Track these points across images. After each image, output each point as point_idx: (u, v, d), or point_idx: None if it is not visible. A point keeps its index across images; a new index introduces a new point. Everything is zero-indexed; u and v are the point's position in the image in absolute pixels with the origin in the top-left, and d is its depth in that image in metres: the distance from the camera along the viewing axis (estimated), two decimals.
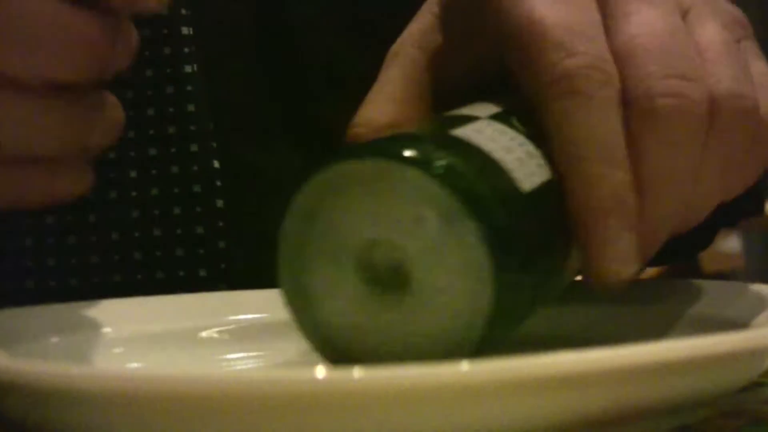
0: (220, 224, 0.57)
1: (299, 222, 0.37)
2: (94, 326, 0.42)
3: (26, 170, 0.38)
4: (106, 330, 0.42)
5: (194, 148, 0.58)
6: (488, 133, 0.37)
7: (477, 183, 0.35)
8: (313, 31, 0.63)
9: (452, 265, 0.35)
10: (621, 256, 0.36)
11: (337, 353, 0.37)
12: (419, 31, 0.44)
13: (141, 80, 0.57)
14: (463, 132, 0.37)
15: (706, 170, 0.38)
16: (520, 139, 0.38)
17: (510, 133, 0.38)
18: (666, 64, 0.37)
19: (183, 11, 0.59)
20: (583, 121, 0.36)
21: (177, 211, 0.57)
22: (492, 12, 0.38)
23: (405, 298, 0.36)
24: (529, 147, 0.38)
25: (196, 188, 0.57)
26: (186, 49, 0.58)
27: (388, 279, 0.36)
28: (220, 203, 0.58)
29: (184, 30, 0.58)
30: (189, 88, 0.58)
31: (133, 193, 0.56)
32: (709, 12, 0.40)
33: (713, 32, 0.39)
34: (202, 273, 0.57)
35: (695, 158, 0.37)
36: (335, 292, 0.37)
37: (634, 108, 0.36)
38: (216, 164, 0.58)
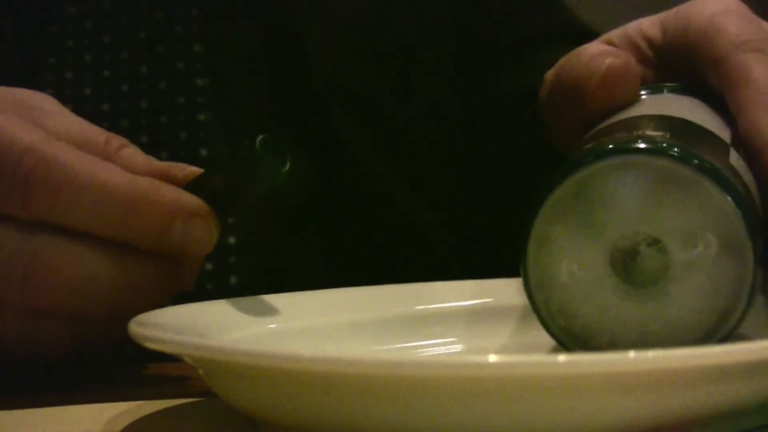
0: (229, 220, 0.58)
1: (571, 190, 0.38)
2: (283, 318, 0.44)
3: None
4: (296, 320, 0.44)
5: (204, 153, 0.60)
6: (743, 168, 0.40)
7: (758, 229, 0.37)
8: (321, 46, 0.66)
9: (712, 289, 0.37)
10: None
11: (577, 341, 0.39)
12: None
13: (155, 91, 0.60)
14: (733, 161, 0.40)
15: None
16: (753, 183, 0.40)
17: (748, 172, 0.40)
18: None
19: (195, 29, 0.61)
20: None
21: None
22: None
23: (656, 297, 0.38)
24: (757, 193, 0.40)
25: None
26: (198, 65, 0.61)
27: (639, 273, 0.38)
28: None
29: (196, 47, 0.61)
30: (200, 99, 0.60)
31: None
32: None
33: None
34: (209, 266, 0.58)
35: None
36: (584, 278, 0.38)
37: None
38: None
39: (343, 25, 0.67)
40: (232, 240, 0.60)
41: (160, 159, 0.46)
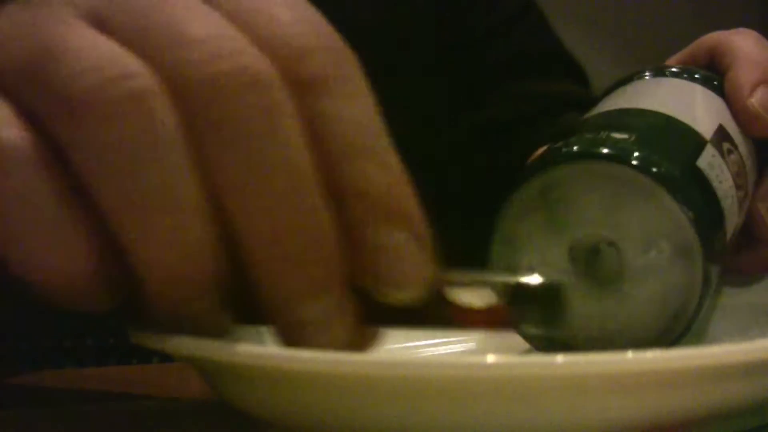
0: None
1: (536, 189, 0.39)
2: None
3: None
4: None
5: None
6: (717, 168, 0.41)
7: (715, 234, 0.39)
8: None
9: (666, 291, 0.38)
10: None
11: (541, 337, 0.40)
12: None
13: None
14: (703, 163, 0.40)
15: None
16: (730, 180, 0.42)
17: (725, 170, 0.42)
18: None
19: None
20: None
21: None
22: None
23: (609, 292, 0.39)
24: (734, 190, 0.42)
25: None
26: None
27: (600, 270, 0.39)
28: None
29: None
30: None
31: None
32: None
33: None
34: None
35: None
36: (541, 249, 0.39)
37: None
38: None
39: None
40: None
41: None
